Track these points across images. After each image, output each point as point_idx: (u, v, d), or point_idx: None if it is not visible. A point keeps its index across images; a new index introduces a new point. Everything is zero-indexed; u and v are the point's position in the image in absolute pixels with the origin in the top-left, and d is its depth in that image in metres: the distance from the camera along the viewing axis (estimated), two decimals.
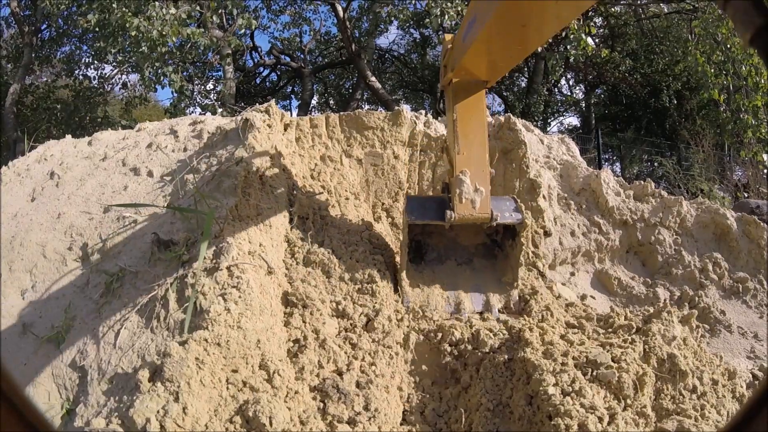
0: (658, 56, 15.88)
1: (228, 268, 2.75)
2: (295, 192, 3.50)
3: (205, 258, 2.83)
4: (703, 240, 5.18)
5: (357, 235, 3.02)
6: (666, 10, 15.04)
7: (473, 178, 2.96)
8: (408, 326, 2.75)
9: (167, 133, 4.81)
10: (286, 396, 2.48)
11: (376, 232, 3.14)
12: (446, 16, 8.68)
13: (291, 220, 3.28)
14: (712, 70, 11.79)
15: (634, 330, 2.99)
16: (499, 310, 3.08)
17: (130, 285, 3.03)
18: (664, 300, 4.48)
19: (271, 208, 3.22)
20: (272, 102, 4.12)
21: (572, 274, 4.41)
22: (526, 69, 17.14)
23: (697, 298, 4.53)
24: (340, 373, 2.58)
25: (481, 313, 3.05)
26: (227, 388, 2.45)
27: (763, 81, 11.29)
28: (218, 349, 2.48)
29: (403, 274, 3.05)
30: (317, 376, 2.57)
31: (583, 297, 4.15)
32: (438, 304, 3.08)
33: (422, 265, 3.30)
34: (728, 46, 11.67)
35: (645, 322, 3.10)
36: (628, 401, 2.43)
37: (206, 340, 2.47)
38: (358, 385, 2.49)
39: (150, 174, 4.06)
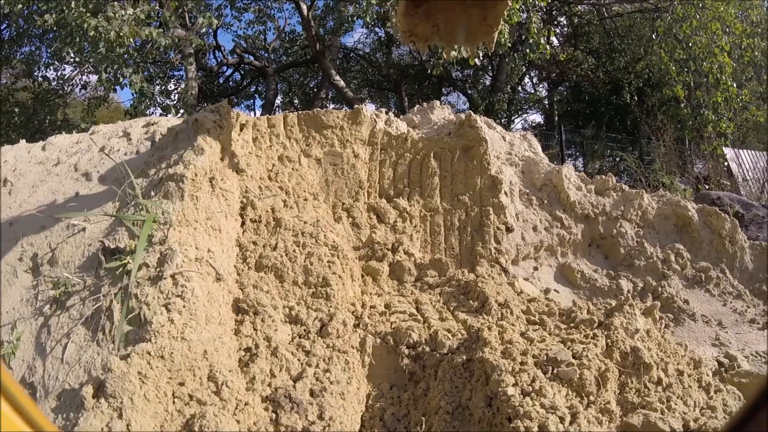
0: (620, 54, 16.17)
1: (172, 276, 2.61)
2: (248, 194, 3.37)
3: (148, 266, 2.70)
4: (665, 231, 5.22)
5: (312, 238, 2.90)
6: (629, 9, 15.32)
7: None
8: (364, 330, 2.65)
9: (120, 135, 4.64)
10: (236, 408, 2.37)
11: (332, 234, 3.03)
12: None
13: (243, 224, 3.15)
14: (674, 68, 12.04)
15: (596, 324, 2.95)
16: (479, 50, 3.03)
17: (78, 296, 2.88)
18: (627, 291, 4.49)
19: (221, 212, 3.09)
20: (224, 102, 3.98)
21: (535, 268, 4.38)
22: (490, 67, 17.27)
23: (660, 289, 4.55)
24: (294, 382, 2.47)
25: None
26: (173, 402, 2.32)
27: (724, 77, 11.58)
28: (162, 361, 2.36)
29: (401, 14, 3.08)
30: (269, 385, 2.45)
31: (546, 291, 4.13)
32: (428, 35, 3.09)
33: (419, 3, 3.26)
34: (690, 44, 11.94)
35: (607, 315, 3.06)
36: (591, 398, 2.38)
37: (149, 353, 2.35)
38: (312, 393, 2.38)
39: (102, 179, 3.91)
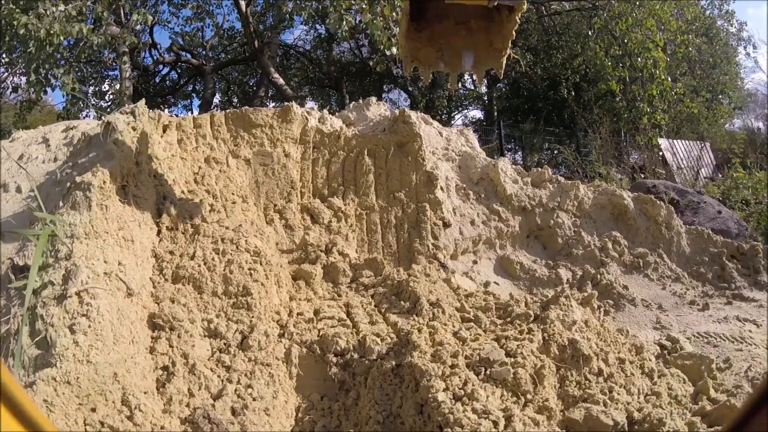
0: (557, 51, 16.54)
1: (78, 294, 2.40)
2: (166, 200, 3.15)
3: (53, 284, 2.48)
4: (602, 220, 5.30)
5: (232, 244, 2.72)
6: (567, 7, 15.67)
7: None
8: (290, 339, 2.49)
9: (39, 142, 4.32)
10: None
11: (255, 238, 2.86)
12: (344, 22, 8.52)
13: (159, 233, 2.94)
14: (610, 63, 12.39)
15: (532, 318, 2.90)
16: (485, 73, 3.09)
17: None
18: (567, 280, 4.51)
19: (134, 221, 2.86)
20: (141, 102, 3.73)
21: (475, 262, 4.33)
22: None
23: (599, 276, 4.60)
24: (214, 400, 2.29)
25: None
26: (85, 431, 2.12)
27: (658, 72, 12.00)
28: (69, 387, 2.16)
29: (403, 36, 3.05)
30: (188, 405, 2.27)
31: (486, 284, 4.08)
32: (432, 60, 3.08)
33: (421, 25, 3.24)
34: (625, 41, 12.32)
35: (543, 309, 3.01)
36: (528, 397, 2.30)
37: (54, 379, 2.16)
38: (233, 411, 2.22)
39: (18, 189, 3.65)
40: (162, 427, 2.20)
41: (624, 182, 9.18)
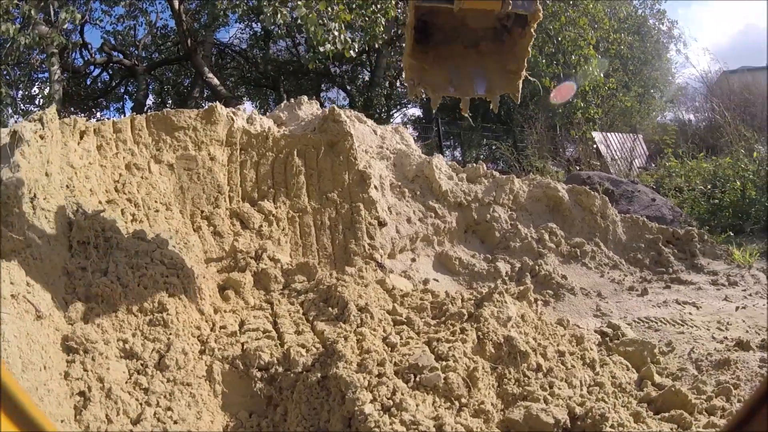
0: None
1: None
2: (78, 212, 2.95)
3: None
4: (538, 213, 5.39)
5: (147, 257, 2.57)
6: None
7: None
8: (211, 356, 2.37)
9: None
10: None
11: (171, 249, 2.71)
12: (279, 15, 8.32)
13: (71, 248, 2.74)
14: (544, 61, 12.68)
15: (465, 318, 2.87)
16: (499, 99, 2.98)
17: None
18: (505, 273, 4.54)
19: (43, 237, 2.66)
20: (51, 108, 3.48)
21: (413, 260, 4.31)
22: (368, 63, 17.28)
23: (537, 267, 4.66)
24: (133, 425, 2.16)
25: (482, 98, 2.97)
26: None
27: (590, 69, 12.38)
28: None
29: (408, 55, 2.85)
30: None
31: (425, 282, 4.06)
32: (440, 85, 2.90)
33: (427, 47, 3.04)
34: (559, 39, 12.63)
35: (477, 306, 2.98)
36: (462, 401, 2.25)
37: None
38: None
39: None
40: None
41: (560, 175, 9.44)
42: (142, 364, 2.25)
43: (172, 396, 2.17)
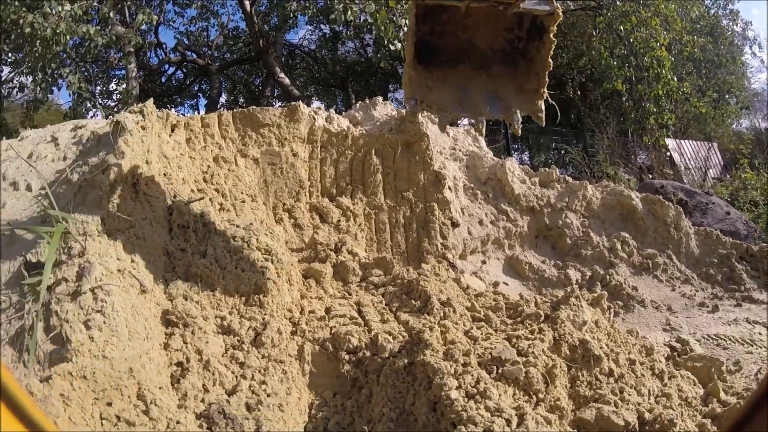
0: (562, 51, 16.50)
1: (92, 290, 2.42)
2: (177, 199, 3.16)
3: (68, 281, 2.50)
4: (610, 221, 5.29)
5: (244, 242, 2.73)
6: (572, 6, 15.64)
7: None
8: (303, 337, 2.50)
9: (48, 141, 4.33)
10: (167, 427, 2.20)
11: (266, 237, 2.87)
12: (349, 12, 8.51)
13: (171, 230, 2.95)
14: (615, 63, 12.37)
15: (542, 318, 2.90)
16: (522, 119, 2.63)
17: (5, 315, 2.66)
18: (576, 281, 4.50)
19: (145, 219, 2.88)
20: (149, 101, 3.74)
21: (483, 262, 4.34)
22: None
23: (608, 277, 4.59)
24: (228, 396, 2.31)
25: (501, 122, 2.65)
26: (102, 424, 2.15)
27: (663, 72, 11.96)
28: (85, 382, 2.19)
29: (409, 67, 2.58)
30: (202, 401, 2.28)
31: (495, 284, 4.08)
32: (447, 105, 2.63)
33: (431, 68, 2.76)
34: (630, 40, 12.28)
35: (553, 309, 3.01)
36: (540, 396, 2.30)
37: (71, 374, 2.19)
38: (248, 407, 2.23)
39: (29, 188, 3.66)
40: (177, 422, 2.21)
41: (632, 183, 9.17)
42: (238, 341, 2.40)
43: (266, 371, 2.31)
